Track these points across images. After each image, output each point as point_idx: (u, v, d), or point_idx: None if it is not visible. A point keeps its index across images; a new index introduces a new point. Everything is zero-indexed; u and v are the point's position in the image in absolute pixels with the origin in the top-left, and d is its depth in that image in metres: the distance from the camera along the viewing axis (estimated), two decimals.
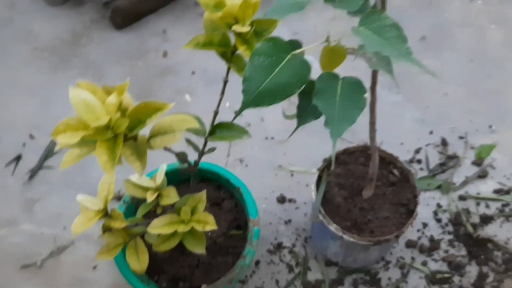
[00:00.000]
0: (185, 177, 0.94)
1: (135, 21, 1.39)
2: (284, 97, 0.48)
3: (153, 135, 0.56)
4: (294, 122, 1.21)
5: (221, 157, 1.17)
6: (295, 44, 0.50)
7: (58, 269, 1.04)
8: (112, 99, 0.47)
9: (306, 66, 0.47)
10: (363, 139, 1.18)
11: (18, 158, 1.18)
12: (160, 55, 1.34)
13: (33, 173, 1.16)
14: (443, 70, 1.29)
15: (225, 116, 1.21)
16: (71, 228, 1.07)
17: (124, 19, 1.36)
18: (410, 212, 0.88)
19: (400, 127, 1.21)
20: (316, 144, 1.18)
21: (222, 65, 1.38)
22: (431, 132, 1.20)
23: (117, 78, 1.30)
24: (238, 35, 0.58)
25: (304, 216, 1.09)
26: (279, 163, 1.17)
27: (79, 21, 1.40)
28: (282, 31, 1.32)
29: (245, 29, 0.56)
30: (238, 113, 0.50)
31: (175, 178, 0.91)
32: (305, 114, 0.54)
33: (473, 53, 1.32)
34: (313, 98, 0.47)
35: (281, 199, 1.11)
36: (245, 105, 0.48)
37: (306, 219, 1.09)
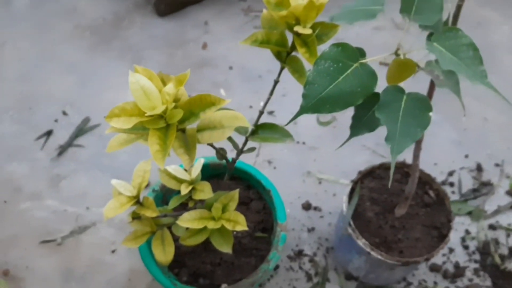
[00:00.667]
0: (215, 173, 0.93)
1: (178, 10, 1.38)
2: (345, 106, 0.46)
3: (201, 129, 0.55)
4: (327, 129, 1.20)
5: (250, 156, 1.16)
6: (360, 52, 0.48)
7: (77, 248, 1.04)
8: (170, 88, 0.46)
9: (373, 77, 0.46)
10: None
11: (49, 133, 1.18)
12: (199, 47, 1.33)
13: (62, 149, 1.16)
14: (485, 94, 1.25)
15: (257, 114, 1.20)
16: (97, 211, 1.08)
17: (168, 7, 1.35)
18: (442, 236, 0.85)
19: (436, 147, 1.18)
20: (348, 154, 1.16)
21: (260, 63, 1.38)
22: (466, 156, 1.17)
23: (155, 65, 1.29)
24: (298, 36, 0.57)
25: (328, 226, 1.07)
26: (308, 169, 1.15)
27: (123, 4, 1.40)
28: None
29: (307, 31, 0.54)
30: (294, 117, 0.48)
31: (206, 172, 0.89)
32: (359, 125, 0.52)
33: None
34: (376, 110, 0.45)
35: (307, 206, 1.10)
36: (304, 110, 0.47)
37: (330, 229, 1.07)
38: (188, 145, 0.51)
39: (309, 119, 1.22)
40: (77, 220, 1.08)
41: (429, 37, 0.46)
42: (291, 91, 1.17)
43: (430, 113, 0.45)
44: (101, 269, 1.02)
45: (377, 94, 0.49)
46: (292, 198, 1.11)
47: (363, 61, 0.46)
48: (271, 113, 1.22)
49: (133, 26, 1.36)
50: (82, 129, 1.19)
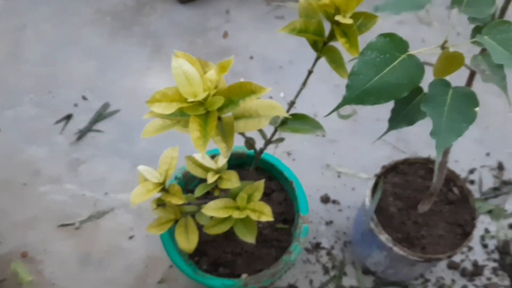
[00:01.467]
0: (237, 162, 0.93)
1: None
2: (390, 98, 0.45)
3: (237, 117, 0.54)
4: (348, 122, 1.19)
5: (269, 148, 1.15)
6: (407, 44, 0.47)
7: (95, 233, 1.04)
8: (212, 75, 0.45)
9: (420, 69, 0.45)
10: (416, 150, 1.15)
11: (68, 117, 1.18)
12: (220, 35, 1.32)
13: (81, 134, 1.16)
14: (510, 91, 1.24)
15: None
16: (115, 197, 1.08)
17: None
18: (465, 234, 0.85)
19: (457, 144, 1.15)
20: (368, 148, 1.15)
21: (281, 54, 1.36)
22: (488, 154, 1.16)
23: None
24: (338, 26, 0.56)
25: (347, 219, 1.07)
26: (327, 162, 1.14)
27: None
28: None
29: (348, 20, 0.53)
30: (336, 108, 0.47)
31: (228, 161, 0.89)
32: (399, 118, 0.51)
33: None
34: (422, 103, 0.44)
35: (325, 199, 1.09)
36: (347, 101, 0.46)
37: (348, 223, 1.06)
38: (225, 133, 0.50)
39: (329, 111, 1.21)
40: (95, 205, 1.08)
41: (478, 30, 0.45)
42: (313, 83, 1.15)
43: (476, 109, 0.44)
44: (118, 255, 1.02)
45: (418, 88, 0.48)
46: (310, 191, 1.10)
47: (411, 52, 0.45)
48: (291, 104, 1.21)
49: (154, 12, 1.35)
50: (101, 115, 1.18)
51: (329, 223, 1.06)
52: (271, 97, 1.23)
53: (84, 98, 1.21)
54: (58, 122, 1.18)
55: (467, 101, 0.45)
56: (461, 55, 0.45)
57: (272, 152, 1.15)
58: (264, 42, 1.31)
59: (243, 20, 1.35)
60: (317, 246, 1.03)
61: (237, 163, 0.93)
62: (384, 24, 1.35)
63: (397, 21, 1.36)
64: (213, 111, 0.47)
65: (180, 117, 0.49)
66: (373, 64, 0.45)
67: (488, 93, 1.27)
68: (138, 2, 1.37)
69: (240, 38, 1.32)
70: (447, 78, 0.50)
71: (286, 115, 0.54)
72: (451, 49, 0.45)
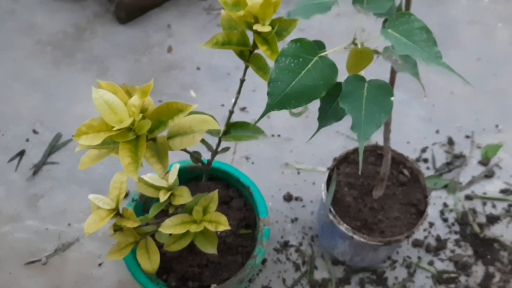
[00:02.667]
0: (193, 175, 0.94)
1: (139, 16, 1.37)
2: (310, 100, 0.47)
3: (172, 135, 0.55)
4: (300, 120, 1.22)
5: (227, 154, 1.16)
6: (319, 45, 0.49)
7: (63, 266, 1.03)
8: (135, 100, 0.46)
9: (333, 69, 0.46)
10: (370, 138, 1.18)
11: (21, 153, 1.17)
12: (164, 50, 1.32)
13: (37, 168, 1.14)
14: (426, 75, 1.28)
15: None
16: (79, 226, 1.08)
17: (128, 13, 1.34)
18: (420, 213, 0.88)
19: (407, 125, 1.21)
20: (323, 142, 1.17)
21: (227, 61, 1.38)
22: (437, 131, 1.20)
23: (121, 73, 1.28)
24: (258, 34, 0.58)
25: (311, 214, 1.09)
26: (285, 160, 1.16)
27: (83, 15, 1.38)
28: None
29: (266, 28, 0.55)
30: (262, 116, 0.49)
31: (183, 176, 0.90)
32: (326, 116, 0.53)
33: (480, 51, 1.32)
34: (339, 101, 0.46)
35: (288, 197, 1.11)
36: (270, 107, 0.47)
37: (313, 217, 1.08)
38: (160, 154, 0.51)
39: (281, 111, 1.23)
40: (60, 237, 1.07)
41: (384, 23, 0.47)
42: (261, 86, 1.17)
43: (392, 98, 0.47)
44: (89, 284, 1.01)
45: (341, 84, 0.50)
46: (273, 191, 1.12)
47: (322, 54, 0.47)
48: (243, 109, 1.23)
49: (95, 36, 1.34)
50: (54, 146, 1.17)
51: (294, 220, 1.08)
52: (223, 105, 1.24)
53: (34, 132, 1.20)
54: (11, 160, 1.16)
55: (383, 92, 0.47)
56: (369, 50, 0.47)
57: (231, 158, 1.17)
58: (209, 52, 1.32)
59: (186, 32, 1.36)
60: (285, 245, 1.05)
61: (194, 176, 0.94)
62: (323, 19, 1.39)
63: (336, 14, 1.39)
64: (143, 135, 0.48)
65: (113, 144, 0.50)
66: (289, 70, 0.46)
67: (431, 72, 1.32)
68: (77, 28, 1.36)
69: (184, 50, 1.32)
70: (366, 73, 0.52)
71: (219, 127, 0.55)
72: (360, 45, 0.47)
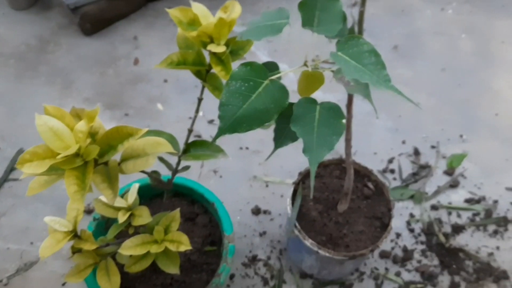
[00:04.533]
0: (157, 192, 0.92)
1: (104, 27, 1.35)
2: (261, 123, 0.46)
3: (125, 158, 0.54)
4: (269, 132, 1.21)
5: (194, 168, 1.15)
6: (271, 66, 0.49)
7: (25, 286, 1.00)
8: (82, 126, 0.45)
9: (284, 92, 0.46)
10: (338, 151, 1.19)
11: None
12: (131, 63, 1.31)
13: None
14: (415, 79, 1.30)
15: (198, 125, 1.20)
16: (39, 250, 1.05)
17: (94, 25, 1.32)
18: (384, 226, 0.88)
19: (373, 136, 1.22)
20: (291, 154, 1.17)
21: None
22: (403, 142, 1.21)
23: (87, 86, 1.26)
24: (213, 54, 0.57)
25: (279, 227, 1.08)
26: (254, 173, 1.16)
27: (46, 27, 1.35)
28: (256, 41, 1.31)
29: (220, 49, 0.54)
30: (214, 140, 0.48)
31: (147, 192, 0.88)
32: (282, 137, 0.53)
33: (445, 62, 1.34)
34: (291, 124, 0.46)
35: (256, 211, 1.10)
36: (222, 131, 0.47)
37: (281, 230, 1.08)
38: (111, 179, 0.50)
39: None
40: (22, 256, 1.04)
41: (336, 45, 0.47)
42: None
43: (344, 120, 0.47)
44: None
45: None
46: (241, 205, 1.11)
47: (273, 77, 0.47)
48: (211, 121, 1.22)
49: (60, 48, 1.32)
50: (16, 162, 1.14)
51: (262, 234, 1.07)
52: (190, 118, 1.23)
53: None
54: None
55: (334, 115, 0.47)
56: (320, 74, 0.47)
57: (199, 172, 1.15)
58: None
59: (153, 44, 1.34)
60: (253, 259, 1.04)
61: (158, 193, 0.92)
62: (292, 30, 1.39)
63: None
64: (91, 161, 0.46)
65: (61, 170, 0.48)
66: (240, 93, 0.46)
67: (397, 83, 1.33)
68: (41, 40, 1.33)
69: (151, 63, 1.31)
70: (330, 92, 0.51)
71: (172, 150, 0.54)
72: (311, 68, 0.47)
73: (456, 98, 1.28)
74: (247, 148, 1.19)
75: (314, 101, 0.47)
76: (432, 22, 1.44)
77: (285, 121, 0.53)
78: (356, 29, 0.51)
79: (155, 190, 0.91)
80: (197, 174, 1.14)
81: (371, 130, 1.22)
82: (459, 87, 1.31)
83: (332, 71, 0.52)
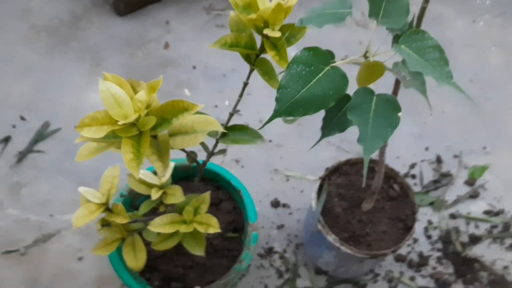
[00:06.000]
0: (184, 175, 0.93)
1: (138, 9, 1.36)
2: (318, 109, 0.47)
3: (173, 134, 0.54)
4: (293, 127, 1.22)
5: (217, 156, 1.15)
6: (331, 55, 0.49)
7: (42, 257, 1.01)
8: (142, 95, 0.45)
9: (344, 80, 0.46)
10: (358, 150, 1.19)
11: (6, 140, 1.14)
12: (161, 46, 1.31)
13: (21, 156, 1.12)
14: (442, 88, 1.30)
15: (223, 114, 1.20)
16: (61, 218, 1.05)
17: (127, 6, 1.32)
18: (407, 228, 0.88)
19: (397, 140, 1.21)
20: (313, 150, 1.16)
21: (223, 62, 1.37)
22: (427, 149, 1.21)
23: (116, 66, 1.27)
24: (267, 39, 0.57)
25: (297, 222, 1.09)
26: (275, 167, 1.16)
27: (80, 3, 1.36)
28: None
29: (276, 34, 0.55)
30: (268, 121, 0.48)
31: (174, 175, 0.88)
32: (330, 126, 0.53)
33: (473, 74, 1.34)
34: (347, 112, 0.46)
35: (275, 204, 1.11)
36: (278, 114, 0.47)
37: (299, 225, 1.08)
38: (161, 152, 0.50)
39: None
40: (41, 228, 1.04)
41: (396, 39, 0.47)
42: (256, 89, 1.17)
43: (399, 114, 0.47)
44: (68, 278, 0.99)
45: (347, 96, 0.50)
46: (260, 196, 1.11)
47: (334, 64, 0.47)
48: (236, 112, 1.22)
49: (92, 26, 1.32)
50: (42, 134, 1.15)
51: (280, 227, 1.08)
52: (216, 106, 1.23)
53: (22, 118, 1.17)
54: None
55: (390, 107, 0.47)
56: (381, 64, 0.47)
57: (221, 161, 1.16)
58: (206, 51, 1.31)
59: (184, 30, 1.35)
60: (270, 251, 1.05)
61: (184, 175, 0.93)
62: (322, 29, 1.39)
63: (335, 25, 1.40)
64: (146, 131, 0.47)
65: (114, 139, 0.49)
66: (300, 77, 0.46)
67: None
68: (73, 16, 1.34)
69: (181, 48, 1.31)
70: (373, 85, 0.52)
71: (221, 129, 0.54)
72: (372, 59, 0.47)
73: (482, 110, 1.28)
74: (270, 141, 1.20)
75: (371, 92, 0.47)
76: (462, 33, 1.44)
77: (335, 111, 0.53)
78: (414, 24, 0.52)
79: (181, 173, 0.92)
80: (220, 162, 1.15)
81: (395, 134, 1.21)
82: (486, 100, 1.30)
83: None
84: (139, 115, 0.45)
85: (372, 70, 0.48)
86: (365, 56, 0.48)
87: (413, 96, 1.23)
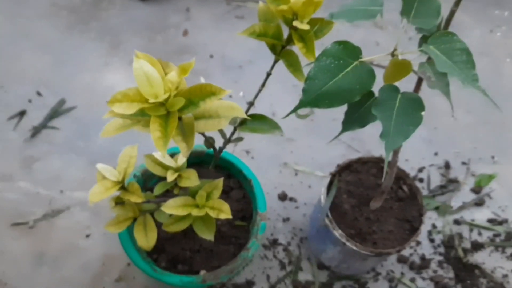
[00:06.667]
0: (196, 161, 0.94)
1: None
2: (343, 102, 0.48)
3: (197, 117, 0.56)
4: (305, 122, 1.23)
5: (228, 146, 1.16)
6: (360, 50, 0.50)
7: (50, 232, 1.03)
8: (173, 76, 0.46)
9: (371, 75, 0.47)
10: (369, 149, 1.20)
11: (22, 113, 1.15)
12: (180, 33, 1.32)
13: (36, 131, 1.13)
14: (455, 95, 1.30)
15: (238, 105, 1.21)
16: (71, 195, 1.07)
17: None
18: (413, 229, 0.89)
19: (407, 143, 1.21)
20: (324, 147, 1.18)
21: (240, 53, 1.38)
22: (436, 154, 1.22)
23: (134, 48, 1.27)
24: (295, 31, 0.58)
25: (303, 216, 1.10)
26: (285, 160, 1.17)
27: None
28: None
29: (305, 26, 0.56)
30: (293, 110, 0.49)
31: (187, 160, 0.90)
32: (351, 121, 0.54)
33: (487, 83, 1.33)
34: (372, 107, 0.47)
35: (283, 197, 1.12)
36: (303, 104, 0.48)
37: (305, 219, 1.09)
38: (185, 133, 0.52)
39: (288, 110, 1.23)
40: (51, 203, 1.06)
41: (425, 39, 0.48)
42: (270, 82, 1.17)
43: (422, 112, 0.48)
44: (74, 254, 1.01)
45: (371, 92, 0.51)
46: (268, 188, 1.12)
47: (363, 59, 0.48)
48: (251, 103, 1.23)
49: (113, 7, 1.33)
50: (57, 111, 1.16)
51: (286, 220, 1.09)
52: (231, 96, 1.24)
53: (38, 94, 1.18)
54: (11, 118, 1.15)
55: (414, 106, 0.48)
56: (408, 63, 0.48)
57: (231, 151, 1.17)
58: (224, 41, 1.32)
59: (203, 18, 1.36)
60: (274, 243, 1.06)
61: (196, 161, 0.94)
62: (341, 27, 1.39)
63: (353, 25, 1.40)
64: (174, 112, 0.48)
65: (141, 117, 0.50)
66: (328, 70, 0.47)
67: (436, 96, 1.33)
68: None
69: (200, 36, 1.32)
70: (397, 82, 0.53)
71: (245, 116, 0.55)
72: (400, 57, 0.48)
73: (493, 119, 1.29)
74: (281, 135, 1.20)
75: (396, 89, 0.48)
76: (479, 42, 1.44)
77: (358, 106, 0.54)
78: (442, 26, 0.52)
79: (194, 159, 0.93)
80: (230, 151, 1.16)
81: None
82: (497, 109, 1.31)
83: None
84: (169, 96, 0.46)
85: (399, 68, 0.49)
86: (392, 54, 0.49)
87: (426, 101, 1.24)
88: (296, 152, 1.18)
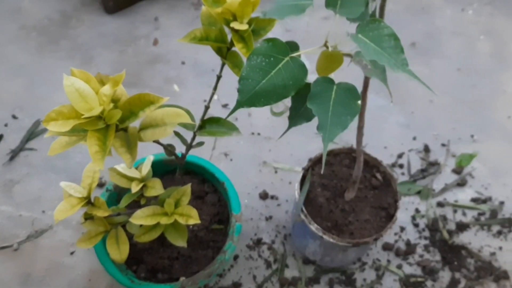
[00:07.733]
0: (170, 169, 0.94)
1: (127, 6, 1.37)
2: (279, 99, 0.48)
3: (144, 127, 0.56)
4: (281, 119, 1.23)
5: (206, 150, 1.17)
6: (292, 46, 0.50)
7: (35, 252, 1.03)
8: (107, 89, 0.46)
9: (303, 70, 0.48)
10: (348, 140, 1.20)
11: None
12: (150, 43, 1.32)
13: (14, 154, 1.14)
14: (430, 77, 1.31)
15: (213, 108, 1.21)
16: (53, 214, 1.07)
17: (116, 4, 1.34)
18: (390, 216, 0.89)
19: (385, 131, 1.23)
20: (302, 142, 1.19)
21: (212, 57, 1.37)
22: (414, 138, 1.22)
23: (106, 63, 1.28)
24: (235, 32, 0.58)
25: (285, 213, 1.10)
26: (264, 159, 1.17)
27: (69, 2, 1.37)
28: (275, 28, 1.32)
29: (243, 26, 0.56)
30: (231, 112, 0.50)
31: (159, 169, 0.90)
32: (297, 116, 0.54)
33: (461, 62, 1.35)
34: (307, 101, 0.47)
35: (264, 195, 1.12)
36: (240, 105, 0.48)
37: (287, 216, 1.10)
38: (130, 144, 0.52)
39: (262, 110, 1.24)
40: (33, 224, 1.06)
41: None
42: None
43: (359, 102, 0.48)
44: (60, 272, 1.01)
45: (310, 86, 0.51)
46: (249, 189, 1.13)
47: (293, 55, 0.48)
48: (225, 106, 1.24)
49: (81, 24, 1.34)
50: (33, 132, 1.17)
51: (268, 218, 1.09)
52: (205, 101, 1.24)
53: (14, 117, 1.19)
54: None
55: (350, 96, 0.48)
56: (339, 53, 0.48)
57: (210, 154, 1.17)
58: (195, 47, 1.32)
59: (173, 26, 1.36)
60: (258, 242, 1.06)
61: (171, 169, 0.94)
62: (311, 20, 1.40)
63: (323, 17, 1.40)
64: (112, 125, 0.48)
65: (83, 132, 0.50)
66: (260, 68, 0.47)
67: (411, 80, 1.34)
68: (63, 15, 1.35)
69: (170, 44, 1.33)
70: (343, 76, 0.53)
71: (190, 121, 0.56)
72: (332, 49, 0.48)
73: (470, 98, 1.29)
74: (258, 133, 1.21)
75: (331, 81, 0.49)
76: (451, 21, 1.44)
77: (301, 101, 0.54)
78: (377, 15, 0.53)
79: (167, 167, 0.93)
80: (208, 156, 1.16)
81: (383, 125, 1.23)
82: (474, 88, 1.31)
83: (349, 54, 0.54)
84: (104, 109, 0.47)
85: (331, 59, 0.49)
86: (325, 45, 0.49)
87: (400, 86, 1.25)
88: (274, 150, 1.18)
